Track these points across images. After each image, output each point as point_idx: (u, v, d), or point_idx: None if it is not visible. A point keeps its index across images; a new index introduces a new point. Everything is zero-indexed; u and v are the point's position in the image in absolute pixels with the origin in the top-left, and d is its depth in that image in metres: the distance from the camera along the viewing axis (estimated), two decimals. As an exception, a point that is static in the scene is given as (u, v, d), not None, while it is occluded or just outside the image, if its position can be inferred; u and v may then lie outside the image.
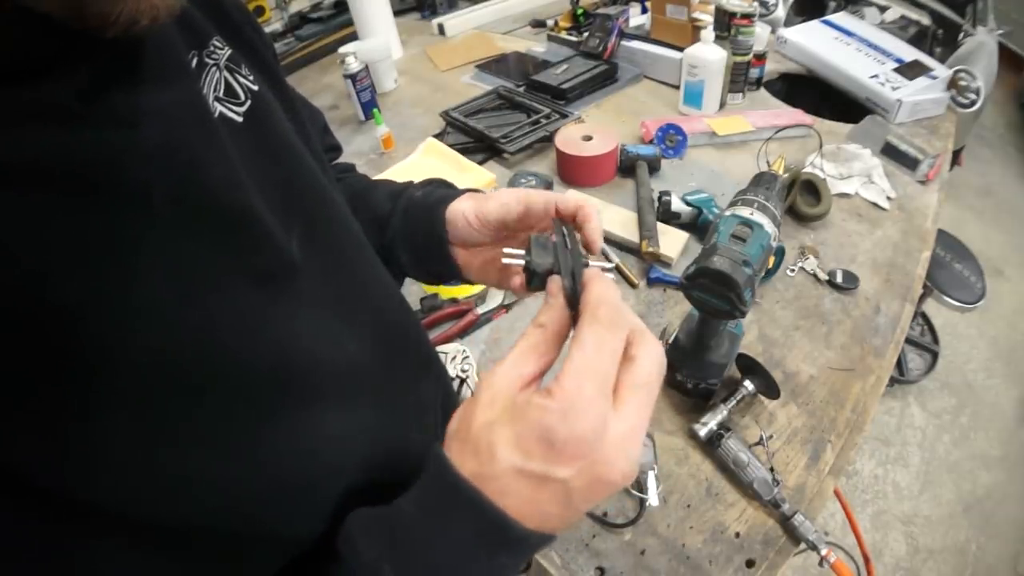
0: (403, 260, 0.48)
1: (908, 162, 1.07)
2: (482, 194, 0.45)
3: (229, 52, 0.31)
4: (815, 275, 0.88)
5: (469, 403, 0.28)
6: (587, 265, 0.33)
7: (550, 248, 0.33)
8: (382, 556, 0.27)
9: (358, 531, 0.29)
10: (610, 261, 0.92)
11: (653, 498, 0.61)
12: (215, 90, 0.29)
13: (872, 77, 1.23)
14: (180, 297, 0.24)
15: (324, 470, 0.32)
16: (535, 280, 0.32)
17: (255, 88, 0.32)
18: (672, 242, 0.92)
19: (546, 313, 0.29)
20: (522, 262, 0.32)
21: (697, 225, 0.96)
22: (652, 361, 0.27)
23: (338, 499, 0.32)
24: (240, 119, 0.30)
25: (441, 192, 0.48)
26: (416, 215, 0.47)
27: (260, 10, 1.76)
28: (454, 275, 0.47)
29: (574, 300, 0.29)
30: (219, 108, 0.29)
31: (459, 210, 0.44)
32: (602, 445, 0.25)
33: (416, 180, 0.52)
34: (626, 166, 1.10)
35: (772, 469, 0.63)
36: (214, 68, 0.30)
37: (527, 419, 0.25)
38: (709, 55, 1.17)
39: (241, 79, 0.32)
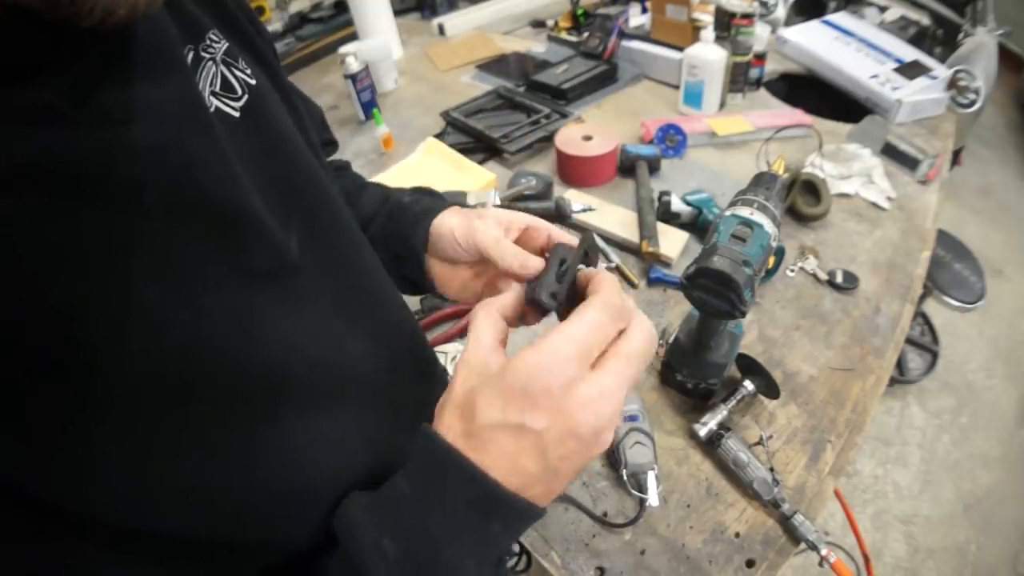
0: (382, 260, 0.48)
1: (908, 162, 1.07)
2: (471, 210, 0.45)
3: (226, 45, 0.31)
4: (815, 275, 0.88)
5: (455, 375, 0.31)
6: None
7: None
8: (382, 532, 0.28)
9: (356, 511, 0.29)
10: (610, 261, 0.92)
11: (653, 498, 0.61)
12: (211, 85, 0.29)
13: (872, 77, 1.23)
14: (174, 298, 0.24)
15: (322, 475, 0.31)
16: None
17: (252, 82, 0.32)
18: (672, 242, 0.92)
19: (499, 300, 0.33)
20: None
21: (697, 225, 0.96)
22: (641, 335, 0.30)
23: (336, 504, 0.32)
24: (237, 114, 0.30)
25: (428, 201, 0.47)
26: (399, 221, 0.46)
27: (260, 10, 1.76)
28: (428, 288, 0.47)
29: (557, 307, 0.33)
30: (215, 103, 0.29)
31: (447, 224, 0.43)
32: (569, 400, 0.27)
33: (414, 183, 0.52)
34: (626, 166, 1.10)
35: (772, 469, 0.63)
36: (210, 62, 0.29)
37: (507, 372, 0.28)
38: (709, 55, 1.17)
39: (238, 73, 0.31)
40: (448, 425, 0.29)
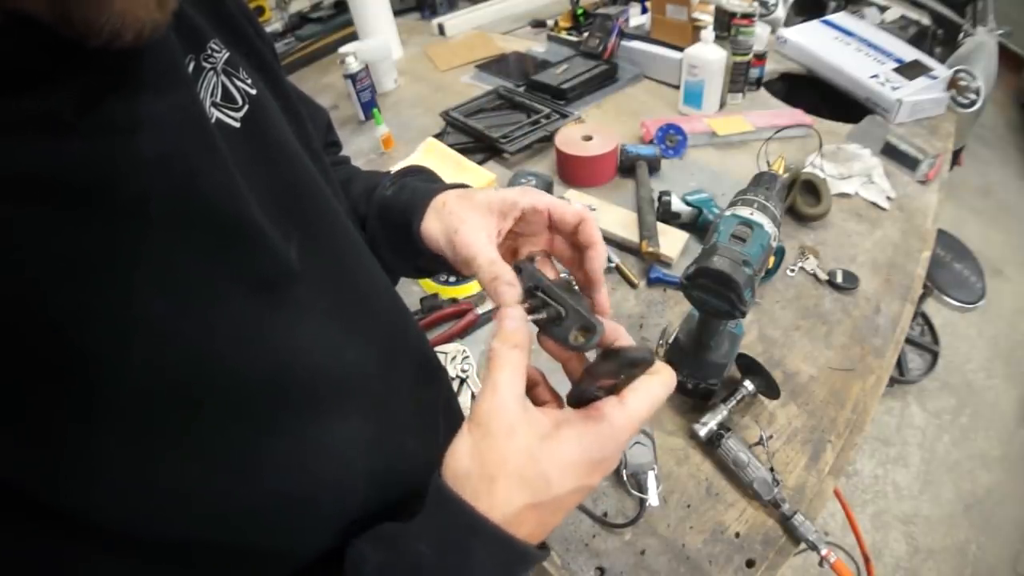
0: (388, 259, 0.45)
1: (908, 162, 1.07)
2: (453, 204, 0.39)
3: (227, 55, 0.31)
4: (815, 275, 0.88)
5: (481, 439, 0.29)
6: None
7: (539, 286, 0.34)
8: None
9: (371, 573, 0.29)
10: (610, 261, 0.92)
11: (653, 498, 0.61)
12: (212, 95, 0.29)
13: (872, 77, 1.23)
14: (177, 308, 0.24)
15: (324, 482, 0.31)
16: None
17: (253, 92, 0.32)
18: (672, 242, 0.92)
19: (519, 335, 0.31)
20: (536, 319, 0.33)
21: (697, 225, 0.96)
22: None
23: (338, 511, 0.32)
24: (237, 124, 0.30)
25: (409, 191, 0.44)
26: (391, 220, 0.44)
27: (260, 10, 1.76)
28: (447, 271, 0.45)
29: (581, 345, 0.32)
30: (216, 114, 0.29)
31: (431, 232, 0.39)
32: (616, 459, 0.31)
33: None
34: (626, 166, 1.10)
35: (772, 469, 0.63)
36: (211, 73, 0.29)
37: (582, 444, 0.29)
38: (709, 55, 1.17)
39: (239, 83, 0.31)
40: (504, 499, 0.28)
